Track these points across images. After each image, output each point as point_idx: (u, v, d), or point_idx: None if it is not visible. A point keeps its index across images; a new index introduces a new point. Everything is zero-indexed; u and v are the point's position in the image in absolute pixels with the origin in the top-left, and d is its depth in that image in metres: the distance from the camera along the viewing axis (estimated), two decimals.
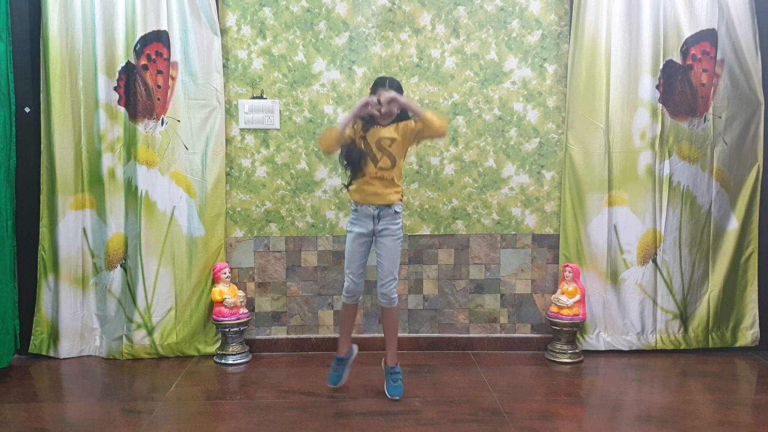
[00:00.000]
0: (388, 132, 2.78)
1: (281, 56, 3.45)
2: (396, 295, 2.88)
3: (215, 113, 3.39)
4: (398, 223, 2.86)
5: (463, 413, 2.72)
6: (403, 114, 2.80)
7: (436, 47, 3.45)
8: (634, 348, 3.50)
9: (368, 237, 2.86)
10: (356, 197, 2.84)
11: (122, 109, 3.37)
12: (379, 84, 2.80)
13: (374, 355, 3.43)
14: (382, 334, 3.00)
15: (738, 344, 3.51)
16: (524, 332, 3.59)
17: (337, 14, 3.43)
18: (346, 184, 2.91)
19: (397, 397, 2.86)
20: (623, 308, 3.51)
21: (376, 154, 2.76)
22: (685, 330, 3.52)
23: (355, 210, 2.86)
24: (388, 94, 2.71)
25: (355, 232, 2.86)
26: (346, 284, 2.90)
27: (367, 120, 2.78)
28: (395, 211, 2.83)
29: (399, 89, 2.79)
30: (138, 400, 2.90)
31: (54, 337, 3.42)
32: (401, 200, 2.87)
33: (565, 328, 3.36)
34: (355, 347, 3.09)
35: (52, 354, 3.42)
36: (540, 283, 3.57)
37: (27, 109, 3.31)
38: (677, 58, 3.39)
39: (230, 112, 3.47)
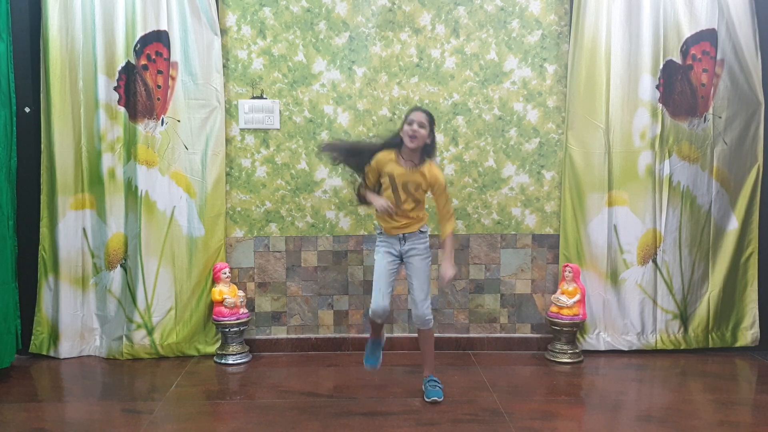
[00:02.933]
0: (416, 176, 2.76)
1: (281, 56, 3.45)
2: (431, 316, 2.85)
3: (215, 113, 3.39)
4: (425, 242, 2.86)
5: (463, 413, 2.72)
6: (427, 149, 2.78)
7: (436, 47, 3.45)
8: (634, 348, 3.50)
9: (396, 257, 2.85)
10: (382, 224, 2.87)
11: (122, 109, 3.37)
12: (413, 109, 2.79)
13: None
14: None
15: (738, 344, 3.51)
16: (524, 332, 3.59)
17: (337, 14, 3.43)
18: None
19: (437, 399, 2.83)
20: (623, 308, 3.51)
21: (401, 194, 2.77)
22: (685, 330, 3.52)
23: (381, 233, 2.89)
24: (448, 276, 2.77)
25: (383, 252, 2.86)
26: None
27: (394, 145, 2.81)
28: (421, 231, 2.85)
29: (432, 119, 2.78)
30: (138, 400, 2.90)
31: (54, 337, 3.42)
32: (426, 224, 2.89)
33: (565, 328, 3.36)
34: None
35: (52, 354, 3.42)
36: (540, 283, 3.57)
37: (27, 109, 3.31)
38: (677, 58, 3.39)
39: (230, 112, 3.47)
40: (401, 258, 2.86)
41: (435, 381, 2.91)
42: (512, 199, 3.54)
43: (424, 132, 2.72)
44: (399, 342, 3.55)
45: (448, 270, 2.76)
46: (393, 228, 2.82)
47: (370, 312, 2.88)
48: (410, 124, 2.72)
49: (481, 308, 3.58)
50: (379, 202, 2.76)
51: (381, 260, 2.85)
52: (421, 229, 2.85)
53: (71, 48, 3.32)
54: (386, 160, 2.78)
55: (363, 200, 2.89)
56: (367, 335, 3.55)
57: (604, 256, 3.47)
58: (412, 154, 2.76)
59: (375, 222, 2.92)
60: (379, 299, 2.81)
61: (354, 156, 2.87)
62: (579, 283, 3.39)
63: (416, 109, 2.79)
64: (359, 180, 2.89)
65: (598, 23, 3.34)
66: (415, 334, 3.54)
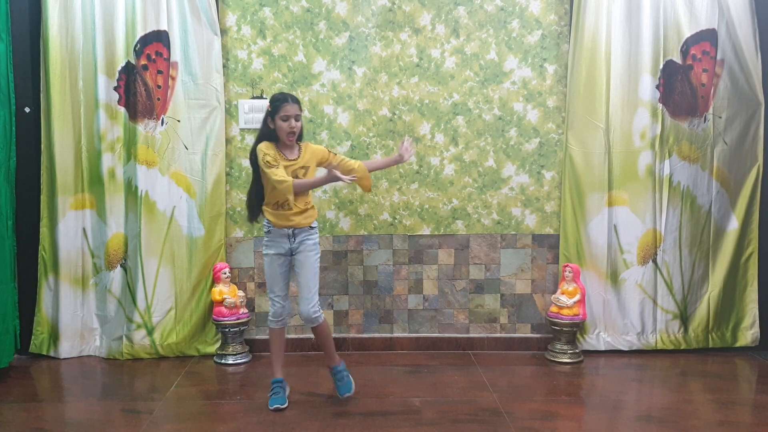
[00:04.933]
0: (301, 161, 2.72)
1: (281, 56, 3.45)
2: (319, 313, 2.77)
3: (215, 113, 3.39)
4: (315, 238, 2.80)
5: (463, 413, 2.72)
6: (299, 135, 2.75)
7: (436, 47, 3.45)
8: (634, 348, 3.50)
9: (286, 257, 2.78)
10: (273, 219, 2.75)
11: (122, 109, 3.37)
12: (281, 100, 2.69)
13: (374, 355, 3.44)
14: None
15: (738, 344, 3.51)
16: (524, 332, 3.59)
17: (337, 14, 3.43)
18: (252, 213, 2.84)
19: (348, 394, 2.83)
20: (623, 308, 3.51)
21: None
22: (685, 330, 3.52)
23: (269, 231, 2.78)
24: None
25: (272, 254, 2.77)
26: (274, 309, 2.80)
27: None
28: (311, 227, 2.78)
29: (301, 105, 2.74)
30: (138, 400, 2.90)
31: (54, 337, 3.42)
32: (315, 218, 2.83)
33: (565, 328, 3.36)
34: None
35: (52, 354, 3.42)
36: (540, 283, 3.57)
37: (27, 109, 3.31)
38: (677, 58, 3.39)
39: (230, 112, 3.47)
40: (291, 255, 2.77)
41: (342, 371, 2.87)
42: (512, 199, 3.54)
43: (300, 123, 2.69)
44: (399, 342, 3.55)
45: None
46: (286, 221, 2.70)
47: (270, 316, 2.80)
48: (286, 120, 2.64)
49: (481, 308, 3.58)
50: (341, 175, 2.61)
51: (272, 263, 2.76)
52: (311, 225, 2.79)
53: (71, 48, 3.32)
54: (273, 154, 2.68)
55: (303, 189, 2.70)
56: (366, 335, 3.56)
57: (604, 256, 3.47)
58: (292, 145, 2.73)
59: (264, 219, 2.78)
60: (276, 302, 2.78)
61: (257, 192, 2.80)
62: (579, 283, 3.39)
63: (285, 99, 2.66)
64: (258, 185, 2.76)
65: (598, 23, 3.34)
66: (415, 335, 3.57)
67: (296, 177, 2.69)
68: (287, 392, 2.84)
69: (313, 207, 2.81)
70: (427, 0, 3.43)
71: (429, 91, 3.47)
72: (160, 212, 3.41)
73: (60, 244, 3.38)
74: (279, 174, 2.63)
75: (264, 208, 2.78)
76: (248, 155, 2.86)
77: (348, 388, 2.86)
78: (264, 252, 2.80)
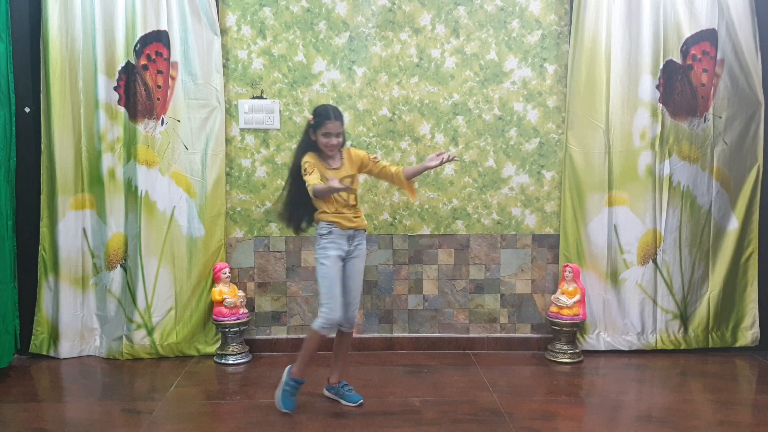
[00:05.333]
0: (344, 170, 2.71)
1: (281, 56, 3.45)
2: (357, 319, 2.81)
3: (215, 113, 3.39)
4: (365, 243, 2.79)
5: (463, 413, 2.72)
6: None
7: (436, 47, 3.45)
8: (634, 348, 3.50)
9: (343, 260, 2.73)
10: (336, 220, 2.70)
11: (122, 109, 3.37)
12: (324, 116, 2.65)
13: (374, 355, 3.44)
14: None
15: (738, 344, 3.51)
16: (524, 332, 3.59)
17: (337, 14, 3.43)
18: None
19: (362, 402, 2.80)
20: (623, 308, 3.51)
21: (341, 193, 2.65)
22: (685, 330, 3.52)
23: (330, 233, 2.70)
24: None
25: (334, 255, 2.68)
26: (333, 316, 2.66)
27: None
28: (364, 230, 2.79)
29: (343, 120, 2.71)
30: (138, 400, 2.90)
31: (54, 337, 3.42)
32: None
33: (565, 328, 3.36)
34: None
35: (52, 354, 3.42)
36: (540, 283, 3.57)
37: (27, 109, 3.31)
38: (677, 58, 3.39)
39: (230, 112, 3.47)
40: (344, 259, 2.72)
41: (348, 386, 2.86)
42: (512, 199, 3.54)
43: (341, 140, 2.68)
44: (399, 342, 3.55)
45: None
46: (350, 222, 2.68)
47: (326, 322, 2.63)
48: (327, 136, 2.63)
49: (481, 308, 3.58)
50: (335, 183, 2.52)
51: (333, 265, 2.66)
52: (365, 228, 2.79)
53: (71, 48, 3.32)
54: (317, 164, 2.67)
55: (322, 194, 2.61)
56: (366, 335, 3.56)
57: (604, 256, 3.47)
58: (334, 155, 2.72)
59: (321, 223, 2.70)
60: (338, 308, 2.64)
61: (299, 202, 2.76)
62: (579, 283, 3.39)
63: (328, 117, 2.64)
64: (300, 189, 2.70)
65: (598, 23, 3.34)
66: (415, 334, 3.56)
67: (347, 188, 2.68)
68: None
69: (360, 212, 2.79)
70: (427, 0, 3.43)
71: (429, 91, 3.47)
72: (160, 212, 3.41)
73: (60, 244, 3.38)
74: (310, 180, 2.59)
75: (322, 216, 2.71)
76: (290, 167, 2.81)
77: (359, 397, 2.82)
78: (323, 255, 2.68)
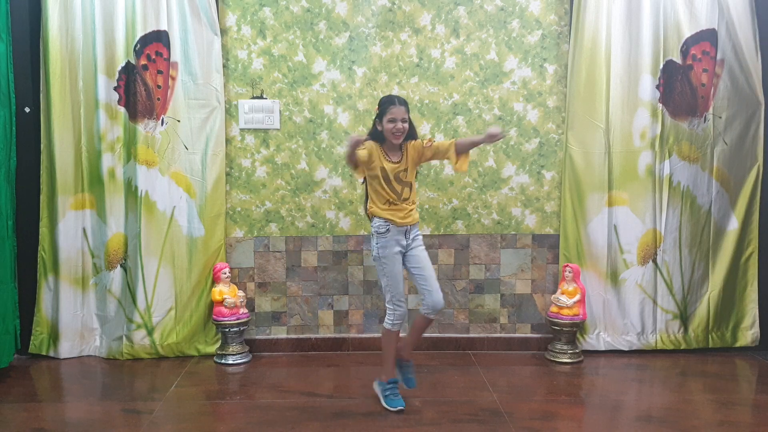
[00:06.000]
0: (403, 163, 2.72)
1: (281, 56, 3.45)
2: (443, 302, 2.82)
3: (215, 113, 3.39)
4: (420, 232, 2.82)
5: (463, 413, 2.72)
6: (407, 137, 2.73)
7: (436, 47, 3.45)
8: (634, 348, 3.50)
9: (402, 254, 2.77)
10: (390, 217, 2.72)
11: (122, 109, 3.37)
12: (388, 102, 2.69)
13: (374, 355, 3.43)
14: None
15: (738, 344, 3.51)
16: (524, 332, 3.59)
17: (337, 14, 3.43)
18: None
19: (412, 386, 2.85)
20: (623, 308, 3.51)
21: (395, 186, 2.70)
22: (685, 330, 3.52)
23: (387, 231, 2.71)
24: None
25: (395, 251, 2.72)
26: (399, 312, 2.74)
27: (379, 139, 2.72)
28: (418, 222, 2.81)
29: (407, 105, 2.71)
30: (138, 400, 2.90)
31: (54, 337, 3.42)
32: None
33: (565, 328, 3.36)
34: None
35: (52, 354, 3.42)
36: (540, 283, 3.57)
37: (27, 109, 3.31)
38: (677, 58, 3.39)
39: (230, 112, 3.47)
40: (403, 253, 2.76)
41: (411, 367, 2.91)
42: (512, 199, 3.54)
43: (407, 125, 2.67)
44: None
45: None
46: (402, 218, 2.70)
47: (394, 319, 2.73)
48: (393, 122, 2.64)
49: (481, 308, 3.58)
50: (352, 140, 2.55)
51: (395, 263, 2.72)
52: (417, 222, 2.82)
53: (71, 48, 3.32)
54: (377, 153, 2.69)
55: (347, 159, 2.66)
56: (366, 335, 3.56)
57: (604, 256, 3.47)
58: (394, 146, 2.71)
59: (376, 219, 2.72)
60: (402, 304, 2.74)
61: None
62: (579, 283, 3.39)
63: (392, 102, 2.66)
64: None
65: (598, 23, 3.34)
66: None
67: (398, 179, 2.70)
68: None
69: (415, 204, 2.79)
70: (427, 0, 3.43)
71: (429, 91, 3.47)
72: (160, 212, 3.41)
73: (60, 244, 3.38)
74: (360, 154, 2.60)
75: (375, 210, 2.73)
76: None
77: (414, 381, 2.87)
78: (382, 254, 2.71)
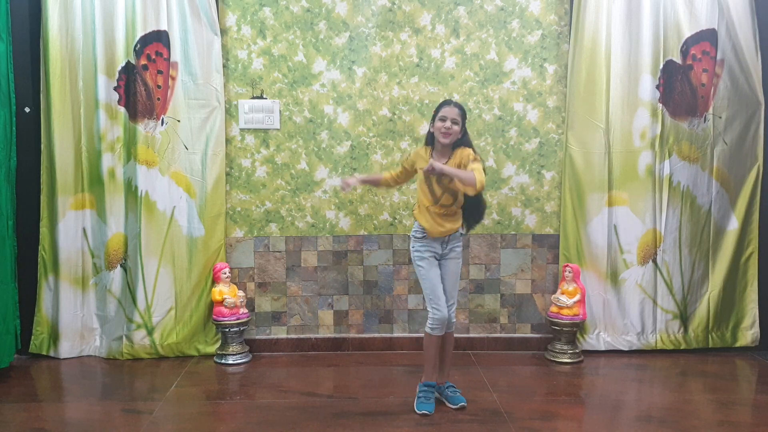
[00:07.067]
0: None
1: (281, 56, 3.45)
2: (455, 320, 2.83)
3: (215, 113, 3.39)
4: (461, 244, 2.80)
5: (463, 413, 2.72)
6: (459, 144, 2.69)
7: (436, 47, 3.45)
8: (634, 348, 3.50)
9: (438, 261, 2.77)
10: (425, 225, 2.72)
11: (122, 109, 3.37)
12: (444, 104, 2.70)
13: (374, 355, 3.44)
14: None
15: (738, 344, 3.51)
16: (524, 332, 3.59)
17: (337, 14, 3.43)
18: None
19: (463, 404, 2.77)
20: (623, 308, 3.51)
21: (436, 190, 2.69)
22: (685, 330, 3.52)
23: (424, 237, 2.73)
24: (435, 166, 2.55)
25: (429, 258, 2.73)
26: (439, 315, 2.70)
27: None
28: (459, 232, 2.77)
29: (464, 112, 2.69)
30: (138, 400, 2.90)
31: (54, 337, 3.42)
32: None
33: (565, 328, 3.36)
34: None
35: (52, 354, 3.42)
36: (540, 283, 3.57)
37: (27, 109, 3.31)
38: (677, 58, 3.39)
39: (230, 112, 3.47)
40: (440, 259, 2.76)
41: (454, 387, 2.86)
42: (512, 199, 3.54)
43: (457, 128, 2.64)
44: (399, 342, 3.55)
45: (437, 164, 2.56)
46: (438, 227, 2.69)
47: (433, 322, 2.69)
48: (443, 120, 2.63)
49: (481, 308, 3.58)
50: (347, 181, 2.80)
51: (430, 267, 2.72)
52: (460, 230, 2.77)
53: (71, 48, 3.32)
54: (420, 156, 2.72)
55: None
56: (366, 335, 3.56)
57: (604, 256, 3.47)
58: (444, 150, 2.68)
59: (416, 223, 2.74)
60: (443, 306, 2.70)
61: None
62: (579, 283, 3.39)
63: (447, 103, 2.68)
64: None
65: (598, 23, 3.34)
66: (415, 334, 3.56)
67: (440, 182, 2.66)
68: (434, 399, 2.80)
69: (457, 216, 2.74)
70: (427, 0, 3.43)
71: (429, 91, 3.47)
72: (160, 212, 3.41)
73: (60, 244, 3.38)
74: (393, 170, 2.85)
75: (416, 213, 2.76)
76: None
77: (463, 399, 2.80)
78: (418, 257, 2.74)
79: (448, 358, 2.86)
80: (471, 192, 2.57)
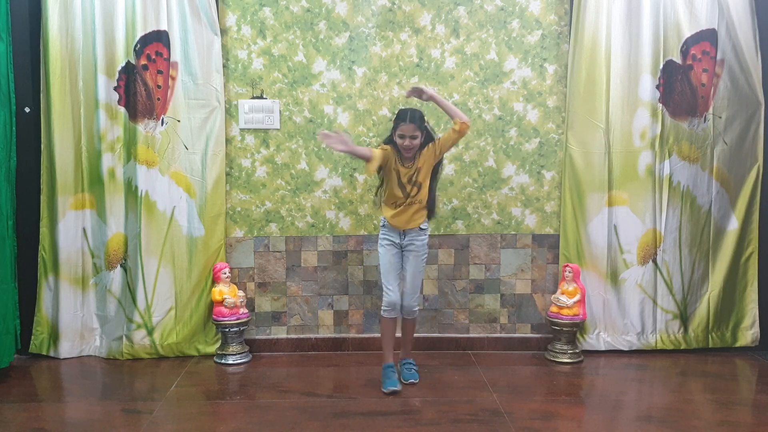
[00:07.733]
0: (416, 166, 2.90)
1: (281, 56, 3.45)
2: (417, 309, 3.08)
3: (215, 113, 3.39)
4: (424, 240, 3.01)
5: (463, 413, 2.72)
6: (422, 146, 2.91)
7: (436, 47, 3.45)
8: (634, 348, 3.50)
9: (399, 249, 2.99)
10: (386, 216, 2.98)
11: (122, 109, 3.37)
12: (400, 118, 2.88)
13: (374, 355, 3.43)
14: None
15: (738, 344, 3.51)
16: (524, 332, 3.59)
17: (337, 14, 3.43)
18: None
19: (413, 381, 3.02)
20: (623, 308, 3.51)
21: (406, 187, 2.90)
22: (685, 330, 3.52)
23: (384, 225, 3.00)
24: (422, 90, 2.88)
25: (386, 245, 2.98)
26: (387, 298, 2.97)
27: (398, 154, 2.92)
28: (421, 228, 2.98)
29: (422, 119, 2.88)
30: (138, 400, 2.90)
31: (54, 337, 3.42)
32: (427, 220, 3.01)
33: (565, 328, 3.36)
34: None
35: (52, 354, 3.42)
36: (540, 283, 3.57)
37: (27, 109, 3.31)
38: (677, 58, 3.39)
39: (230, 112, 3.47)
40: (402, 249, 2.99)
41: (411, 363, 3.12)
42: (512, 199, 3.54)
43: (417, 141, 2.85)
44: (399, 342, 3.54)
45: (428, 89, 2.91)
46: (398, 221, 2.93)
47: (385, 305, 2.95)
48: (402, 138, 2.84)
49: (481, 308, 3.58)
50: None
51: (386, 253, 2.98)
52: (422, 226, 2.97)
53: (71, 48, 3.32)
54: (393, 157, 2.90)
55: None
56: (366, 335, 3.56)
57: (604, 256, 3.47)
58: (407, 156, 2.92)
59: (382, 217, 3.00)
60: (391, 291, 2.95)
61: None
62: (579, 283, 3.39)
63: (403, 119, 2.84)
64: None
65: (598, 23, 3.34)
66: (415, 335, 3.54)
67: (410, 180, 2.89)
68: (397, 377, 3.00)
69: (422, 207, 2.95)
70: (427, 0, 3.43)
71: None
72: (160, 212, 3.41)
73: (60, 244, 3.38)
74: (375, 153, 2.87)
75: (383, 206, 3.00)
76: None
77: (414, 376, 3.05)
78: (379, 244, 3.01)
79: (408, 341, 3.14)
80: (465, 129, 2.83)
